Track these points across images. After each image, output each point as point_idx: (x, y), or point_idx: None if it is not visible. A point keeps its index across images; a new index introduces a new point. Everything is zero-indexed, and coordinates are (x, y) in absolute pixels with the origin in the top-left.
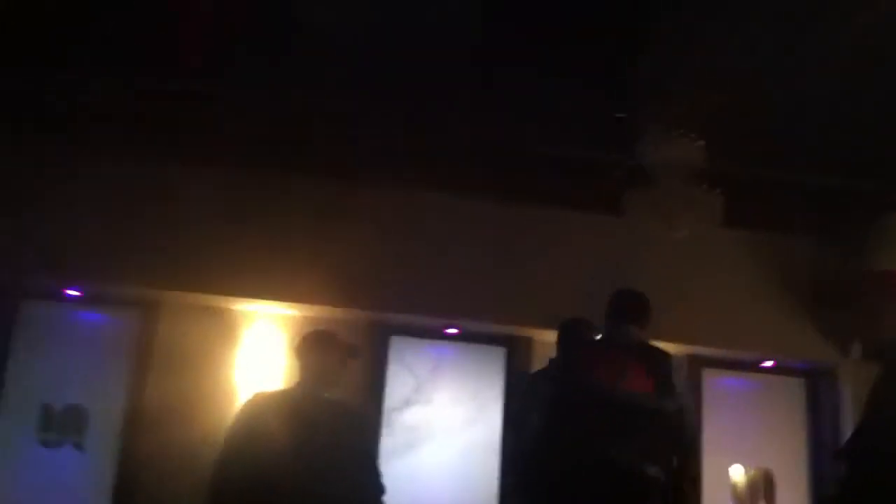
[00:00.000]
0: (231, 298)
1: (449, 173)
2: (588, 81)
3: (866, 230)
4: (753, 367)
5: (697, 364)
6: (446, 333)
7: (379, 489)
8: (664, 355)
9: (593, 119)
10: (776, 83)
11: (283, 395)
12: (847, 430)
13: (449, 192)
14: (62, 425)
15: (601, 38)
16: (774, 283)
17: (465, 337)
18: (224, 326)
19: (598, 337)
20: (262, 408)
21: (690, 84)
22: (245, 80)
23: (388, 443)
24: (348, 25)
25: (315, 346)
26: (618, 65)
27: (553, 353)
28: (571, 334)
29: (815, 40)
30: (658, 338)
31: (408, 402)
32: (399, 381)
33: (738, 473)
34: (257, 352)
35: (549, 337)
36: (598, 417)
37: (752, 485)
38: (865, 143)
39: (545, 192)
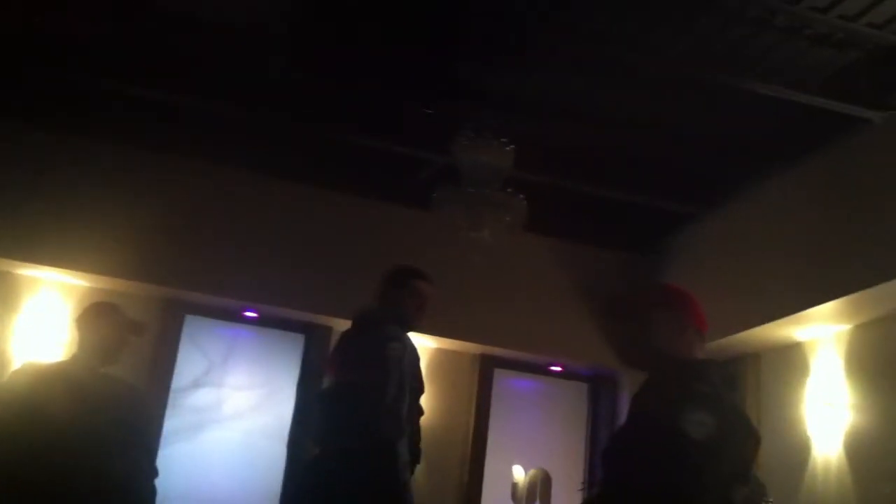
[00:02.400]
0: (14, 262)
1: (262, 156)
2: (410, 81)
3: (663, 245)
4: (542, 369)
5: (489, 364)
6: (244, 316)
7: (151, 471)
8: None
9: (410, 116)
10: (589, 101)
11: (57, 366)
12: None
13: (261, 174)
14: None
15: (425, 39)
16: (571, 291)
17: (263, 321)
18: (5, 291)
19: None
20: (31, 379)
21: (508, 93)
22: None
23: (174, 424)
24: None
25: (96, 319)
26: (440, 66)
27: None
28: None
29: (625, 64)
30: (452, 335)
31: (197, 384)
32: (190, 362)
33: (518, 473)
34: (39, 321)
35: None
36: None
37: (530, 485)
38: (667, 163)
39: (358, 183)
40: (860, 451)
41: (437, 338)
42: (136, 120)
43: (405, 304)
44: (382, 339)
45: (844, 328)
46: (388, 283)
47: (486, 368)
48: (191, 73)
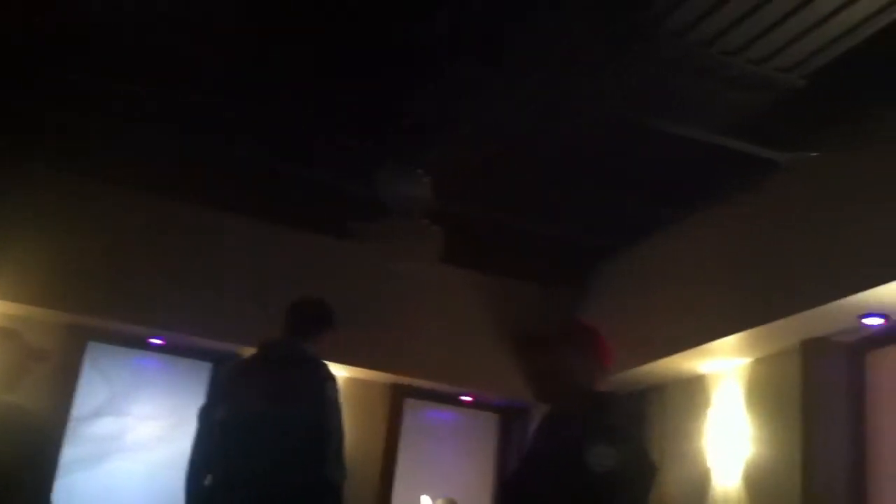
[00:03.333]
0: None
1: (171, 180)
2: (330, 109)
3: (581, 278)
4: (453, 399)
5: (400, 393)
6: (150, 343)
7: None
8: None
9: (335, 147)
10: (509, 134)
11: None
12: None
13: (169, 199)
14: None
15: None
16: (485, 322)
17: (169, 349)
18: None
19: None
20: None
21: (436, 127)
22: None
23: (74, 453)
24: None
25: None
26: (368, 98)
27: None
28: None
29: (546, 100)
30: (364, 364)
31: (98, 413)
32: (92, 390)
33: (426, 503)
34: None
35: None
36: (235, 433)
37: None
38: (585, 198)
39: (272, 210)
40: (758, 482)
41: (348, 367)
42: (40, 141)
43: (326, 340)
44: (323, 376)
45: (745, 361)
46: (313, 319)
47: (396, 398)
48: (103, 95)
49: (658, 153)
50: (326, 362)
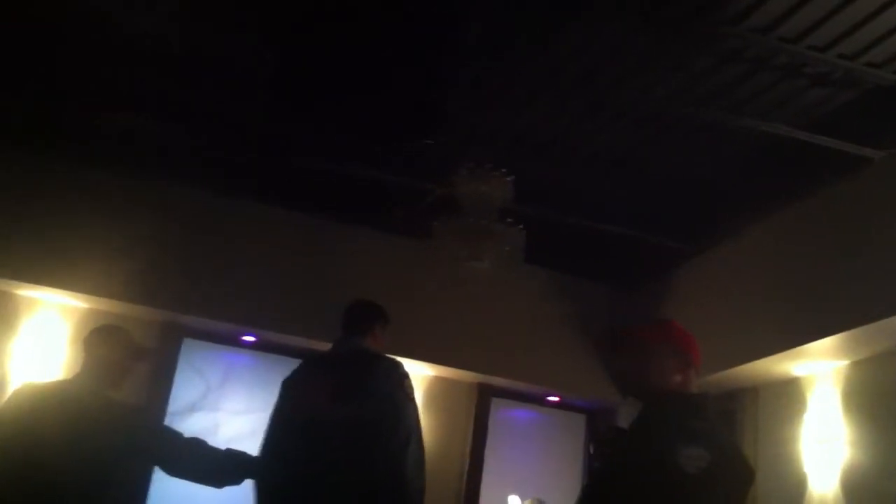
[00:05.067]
0: (13, 283)
1: (264, 185)
2: (407, 108)
3: (661, 281)
4: (540, 400)
5: (486, 393)
6: (242, 341)
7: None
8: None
9: (409, 145)
10: (583, 139)
11: (56, 386)
12: None
13: (263, 203)
14: None
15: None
16: (568, 322)
17: (261, 346)
18: (4, 311)
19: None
20: (30, 399)
21: (508, 125)
22: None
23: None
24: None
25: (105, 341)
26: (439, 96)
27: None
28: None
29: (618, 103)
30: (450, 363)
31: (193, 408)
32: (187, 386)
33: (515, 503)
34: (37, 342)
35: None
36: (302, 433)
37: None
38: (663, 200)
39: (357, 212)
40: (856, 488)
41: (435, 365)
42: (136, 148)
43: (383, 342)
44: (401, 373)
45: (842, 364)
46: (377, 318)
47: (483, 398)
48: (192, 105)
49: (741, 153)
50: (400, 359)
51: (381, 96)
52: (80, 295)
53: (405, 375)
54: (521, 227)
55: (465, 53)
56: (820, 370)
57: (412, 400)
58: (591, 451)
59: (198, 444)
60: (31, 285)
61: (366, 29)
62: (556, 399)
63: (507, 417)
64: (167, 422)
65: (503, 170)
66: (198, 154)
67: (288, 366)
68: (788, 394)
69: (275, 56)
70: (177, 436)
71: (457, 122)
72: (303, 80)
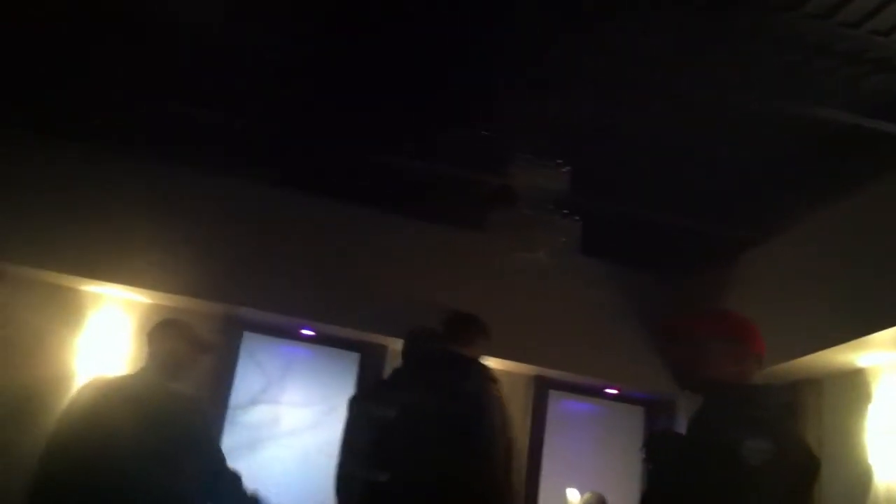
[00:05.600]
0: (78, 279)
1: (321, 178)
2: (463, 100)
3: (718, 272)
4: (598, 392)
5: (543, 385)
6: (301, 335)
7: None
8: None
9: (465, 137)
10: (643, 125)
11: (123, 380)
12: None
13: (321, 196)
14: None
15: (479, 60)
16: (626, 314)
17: (320, 339)
18: (69, 307)
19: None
20: (97, 392)
21: (563, 117)
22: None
23: (231, 441)
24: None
25: (169, 335)
26: (493, 88)
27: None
28: (415, 345)
29: (677, 92)
30: (507, 356)
31: (254, 401)
32: (247, 379)
33: (573, 496)
34: (102, 337)
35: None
36: (396, 434)
37: None
38: (723, 190)
39: (411, 204)
40: None
41: (491, 358)
42: (195, 141)
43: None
44: (489, 375)
45: None
46: (472, 327)
47: (540, 390)
48: (251, 96)
49: (800, 141)
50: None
51: (437, 87)
52: (143, 290)
53: (493, 379)
54: (577, 218)
55: (521, 44)
56: (885, 361)
57: (502, 405)
58: (643, 454)
59: (236, 473)
60: (96, 281)
61: (423, 20)
62: (614, 391)
63: (564, 410)
64: (228, 415)
65: (559, 160)
66: (256, 147)
67: (346, 359)
68: (853, 385)
69: (331, 45)
70: (223, 455)
71: (513, 113)
72: (361, 70)
